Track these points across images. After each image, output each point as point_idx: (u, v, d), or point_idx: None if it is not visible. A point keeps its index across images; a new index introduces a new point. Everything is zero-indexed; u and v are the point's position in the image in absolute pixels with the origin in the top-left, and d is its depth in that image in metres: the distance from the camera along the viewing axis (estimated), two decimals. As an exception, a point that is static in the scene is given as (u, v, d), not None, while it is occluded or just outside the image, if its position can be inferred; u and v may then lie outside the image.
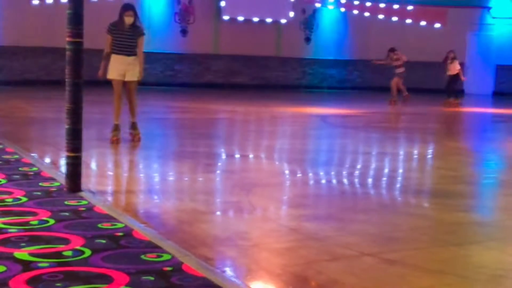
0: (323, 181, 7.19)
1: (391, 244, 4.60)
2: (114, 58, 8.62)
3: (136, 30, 8.65)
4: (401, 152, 9.82)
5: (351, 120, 14.23)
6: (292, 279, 3.87)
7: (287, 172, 7.76)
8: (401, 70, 18.95)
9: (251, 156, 8.89)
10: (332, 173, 7.63)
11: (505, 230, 5.32)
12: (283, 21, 22.59)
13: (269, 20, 22.39)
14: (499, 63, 23.87)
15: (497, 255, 4.49)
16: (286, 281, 3.82)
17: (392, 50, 19.16)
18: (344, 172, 7.73)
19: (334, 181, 7.20)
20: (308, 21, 23.43)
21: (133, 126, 8.92)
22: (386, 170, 8.04)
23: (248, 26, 22.26)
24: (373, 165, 8.42)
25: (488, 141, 11.95)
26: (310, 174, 7.52)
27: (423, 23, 23.84)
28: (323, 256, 4.29)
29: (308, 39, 23.48)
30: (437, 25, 23.91)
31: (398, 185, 7.18)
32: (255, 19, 22.25)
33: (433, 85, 23.85)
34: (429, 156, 9.78)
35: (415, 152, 9.96)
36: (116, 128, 8.74)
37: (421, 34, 23.80)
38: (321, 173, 7.58)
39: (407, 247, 4.55)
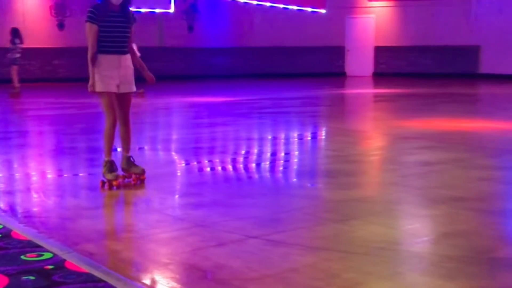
0: (210, 169, 7.19)
1: (276, 225, 4.66)
2: (102, 59, 5.83)
3: (128, 15, 5.96)
4: (287, 136, 9.98)
5: (237, 108, 14.31)
6: (179, 267, 3.85)
7: (173, 162, 7.71)
8: (16, 55, 16.62)
9: (136, 148, 8.76)
10: (219, 160, 7.66)
11: (385, 204, 5.51)
12: (164, 11, 22.40)
13: (150, 10, 22.12)
14: (377, 45, 24.70)
15: (378, 229, 4.64)
16: (172, 270, 3.79)
17: (14, 33, 16.66)
18: (231, 159, 7.78)
19: (220, 168, 7.22)
20: (189, 10, 23.34)
21: (130, 162, 6.13)
22: (271, 154, 8.16)
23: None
24: (258, 150, 8.52)
25: (369, 121, 12.36)
26: (196, 163, 7.51)
27: (304, 8, 24.29)
28: (209, 242, 4.29)
29: (191, 28, 23.41)
30: (317, 10, 24.43)
31: (283, 168, 7.29)
32: (134, 10, 21.96)
33: (316, 69, 24.43)
34: (314, 138, 10.00)
35: (301, 135, 10.15)
36: (113, 167, 5.95)
37: (303, 20, 24.26)
38: (208, 161, 7.58)
39: (291, 227, 4.62)
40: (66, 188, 6.23)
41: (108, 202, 5.59)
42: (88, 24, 5.81)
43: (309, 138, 9.94)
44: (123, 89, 5.95)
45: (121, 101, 6.02)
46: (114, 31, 5.82)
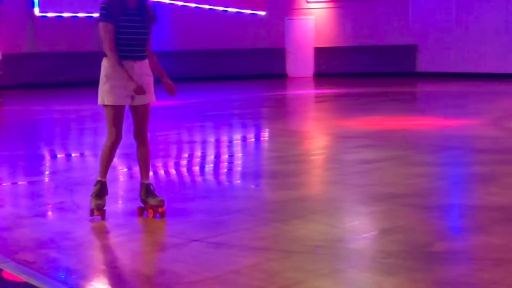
0: (152, 173, 7.11)
1: (218, 228, 4.66)
2: (115, 66, 4.87)
3: (147, 12, 5.00)
4: (229, 138, 9.99)
5: (179, 111, 14.24)
6: (120, 273, 3.82)
7: (113, 167, 7.60)
8: None
9: (75, 155, 8.64)
10: (161, 164, 7.60)
11: (326, 203, 5.58)
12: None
13: (87, 15, 21.82)
14: (317, 46, 24.93)
15: (319, 227, 4.69)
16: (113, 276, 3.76)
17: None
18: (173, 163, 7.73)
19: (162, 172, 7.18)
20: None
21: (149, 191, 5.06)
22: (214, 157, 8.16)
23: (64, 22, 21.56)
24: (201, 153, 8.51)
25: (311, 121, 12.46)
26: (138, 168, 7.43)
27: (243, 11, 24.32)
28: (151, 247, 4.27)
29: (130, 32, 23.20)
30: (257, 12, 24.51)
31: (225, 170, 7.30)
32: (71, 15, 21.60)
33: (258, 71, 24.52)
34: (256, 139, 10.03)
35: (243, 137, 10.17)
36: (103, 190, 5.02)
37: (243, 22, 24.31)
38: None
39: (233, 229, 4.63)
40: (4, 197, 6.09)
41: (47, 210, 5.49)
42: (102, 24, 4.83)
43: (252, 139, 9.97)
44: (139, 101, 4.97)
45: (137, 115, 5.07)
46: (131, 33, 4.86)
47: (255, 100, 16.85)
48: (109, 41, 4.81)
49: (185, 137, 10.08)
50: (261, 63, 24.74)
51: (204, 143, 9.46)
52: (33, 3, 21.04)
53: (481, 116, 11.39)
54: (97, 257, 4.12)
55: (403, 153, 7.80)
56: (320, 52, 24.83)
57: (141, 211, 5.04)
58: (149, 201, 5.01)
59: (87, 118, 13.49)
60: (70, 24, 21.67)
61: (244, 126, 11.39)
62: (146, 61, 5.02)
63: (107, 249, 4.26)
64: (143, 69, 4.98)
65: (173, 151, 8.87)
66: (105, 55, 4.90)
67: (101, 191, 4.99)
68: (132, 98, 4.94)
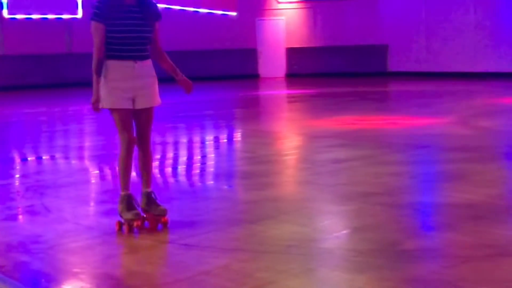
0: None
1: (189, 229, 4.65)
2: (112, 67, 4.59)
3: (148, 9, 4.73)
4: (202, 139, 9.97)
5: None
6: (90, 276, 3.80)
7: (84, 170, 7.57)
8: None
9: (45, 157, 8.56)
10: (132, 166, 7.56)
11: (297, 203, 5.59)
12: (72, 16, 21.92)
13: (57, 16, 21.62)
14: (289, 46, 25.00)
15: (290, 227, 4.70)
16: (83, 279, 3.73)
17: None
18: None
19: (134, 174, 7.13)
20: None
21: (151, 199, 4.74)
22: (187, 158, 8.15)
23: (34, 24, 21.34)
24: (174, 154, 8.49)
25: (283, 121, 12.49)
26: (108, 170, 7.40)
27: (214, 11, 24.28)
28: (122, 249, 4.26)
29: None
30: (228, 13, 24.49)
31: (198, 171, 7.29)
32: (40, 17, 21.38)
33: (230, 71, 24.52)
34: (228, 140, 10.03)
35: (215, 137, 10.16)
36: (131, 203, 4.67)
37: (214, 23, 24.28)
38: (120, 167, 7.48)
39: (204, 230, 4.62)
40: (-28, 201, 6.02)
41: (16, 213, 5.44)
42: (92, 23, 4.55)
43: (225, 140, 9.96)
44: (141, 104, 4.66)
45: (139, 119, 4.73)
46: (129, 31, 4.55)
47: (227, 100, 16.85)
48: (97, 41, 4.54)
49: (157, 138, 10.03)
50: (232, 63, 24.74)
51: (176, 144, 9.44)
52: (1, 5, 20.79)
53: (451, 115, 11.52)
54: (67, 260, 4.09)
55: (374, 152, 7.86)
56: (291, 53, 24.90)
57: (143, 221, 4.67)
58: (151, 210, 4.69)
59: (58, 120, 13.38)
60: (39, 26, 21.45)
61: (216, 127, 11.38)
62: (149, 61, 4.74)
63: (77, 252, 4.23)
64: (145, 70, 4.70)
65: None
66: (105, 56, 4.59)
67: (130, 204, 4.63)
68: (133, 101, 4.63)
